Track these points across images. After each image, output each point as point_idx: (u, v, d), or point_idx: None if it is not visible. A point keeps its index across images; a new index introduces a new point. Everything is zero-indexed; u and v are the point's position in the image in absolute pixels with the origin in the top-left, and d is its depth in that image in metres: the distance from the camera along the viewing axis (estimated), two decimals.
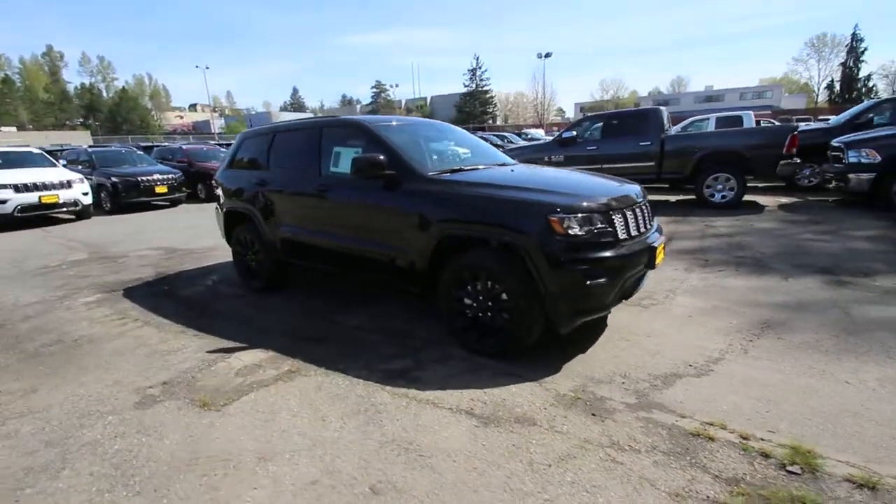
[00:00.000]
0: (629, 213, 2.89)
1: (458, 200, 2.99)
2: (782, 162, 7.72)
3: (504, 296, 2.83)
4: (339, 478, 1.97)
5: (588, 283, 2.63)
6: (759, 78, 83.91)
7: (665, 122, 8.72)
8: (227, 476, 2.01)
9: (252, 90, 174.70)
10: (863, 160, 7.16)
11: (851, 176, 7.28)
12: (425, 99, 79.11)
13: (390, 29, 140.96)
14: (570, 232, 2.62)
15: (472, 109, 65.31)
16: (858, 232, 6.01)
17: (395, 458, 2.08)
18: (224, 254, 6.30)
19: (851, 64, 44.39)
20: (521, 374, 2.79)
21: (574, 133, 9.44)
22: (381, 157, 3.23)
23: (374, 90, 70.24)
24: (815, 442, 2.06)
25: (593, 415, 2.36)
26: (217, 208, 5.08)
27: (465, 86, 66.57)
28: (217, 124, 56.85)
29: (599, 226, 2.69)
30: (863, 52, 44.27)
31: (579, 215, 2.65)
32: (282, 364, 3.07)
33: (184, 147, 13.60)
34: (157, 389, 2.81)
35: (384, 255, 3.42)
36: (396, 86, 70.41)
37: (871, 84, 44.29)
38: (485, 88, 66.44)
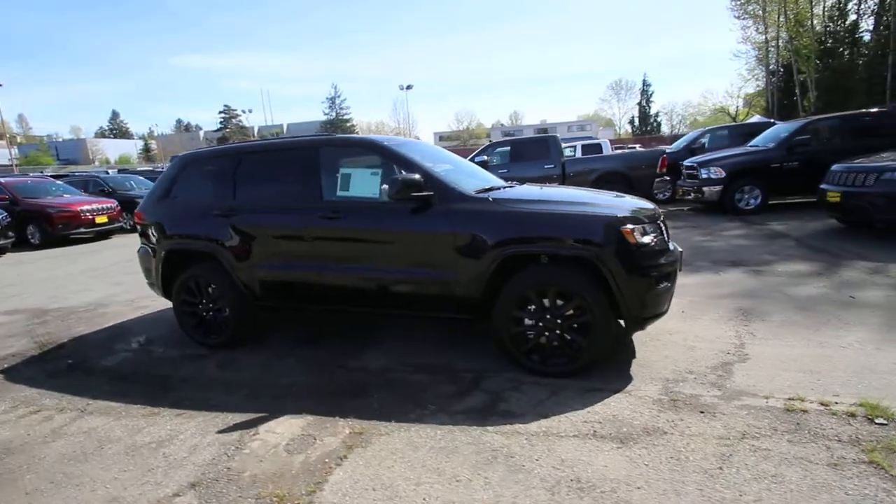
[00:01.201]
0: (661, 224, 3.16)
1: (522, 219, 2.90)
2: (657, 180, 9.33)
3: (576, 311, 2.82)
4: None
5: (657, 287, 2.79)
6: (577, 114, 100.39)
7: (562, 147, 9.83)
8: None
9: (53, 114, 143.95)
10: (712, 176, 9.03)
11: (705, 189, 9.12)
12: (281, 126, 75.21)
13: (230, 52, 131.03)
14: (640, 241, 2.75)
15: None
16: (728, 232, 7.51)
17: (579, 501, 1.87)
18: (123, 309, 5.07)
19: (644, 104, 56.70)
20: (601, 387, 2.78)
21: (486, 157, 9.98)
22: (419, 177, 2.97)
23: (223, 115, 64.09)
24: (869, 396, 2.48)
25: (701, 412, 2.47)
26: (146, 251, 4.01)
27: (325, 114, 65.40)
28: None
29: (656, 235, 2.88)
30: (651, 95, 57.00)
31: (644, 225, 2.81)
32: (336, 428, 2.53)
33: (2, 181, 10.48)
34: (189, 496, 2.06)
35: (426, 285, 3.12)
36: (250, 111, 65.33)
37: (659, 120, 57.14)
38: (345, 117, 66.12)
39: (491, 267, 2.90)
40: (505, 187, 3.62)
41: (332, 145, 3.53)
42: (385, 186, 3.16)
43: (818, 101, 30.52)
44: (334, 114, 65.47)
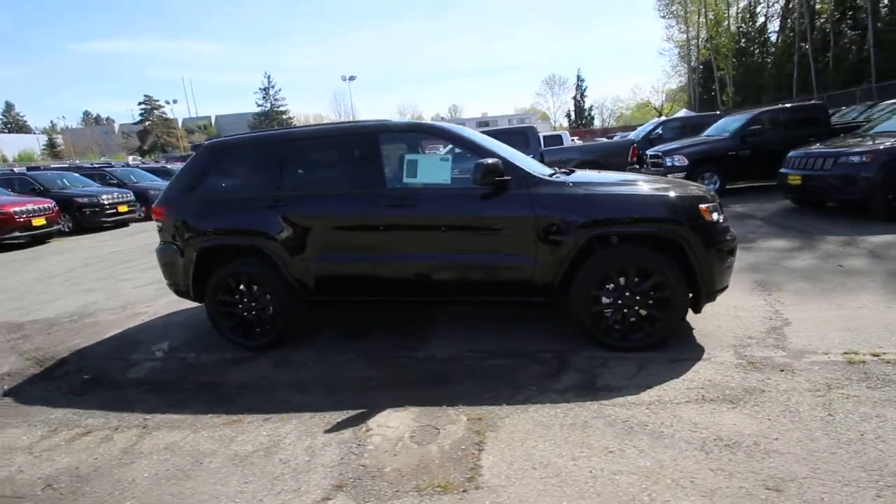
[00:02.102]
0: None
1: (607, 201, 2.98)
2: (627, 168, 9.89)
3: (655, 287, 2.96)
4: (727, 493, 1.79)
5: (727, 262, 3.01)
6: (514, 107, 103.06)
7: (540, 137, 10.12)
8: None
9: None
10: (676, 164, 9.72)
11: (671, 176, 9.80)
12: (209, 119, 70.20)
13: (145, 37, 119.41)
14: (713, 218, 2.94)
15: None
16: None
17: (735, 457, 1.99)
18: (116, 318, 4.64)
19: (579, 98, 59.44)
20: (681, 357, 2.95)
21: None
22: (500, 162, 2.96)
23: (144, 106, 58.36)
24: None
25: (781, 371, 2.70)
26: (170, 249, 3.63)
27: (259, 105, 61.96)
28: None
29: (721, 213, 3.09)
30: (585, 90, 59.77)
31: (715, 204, 3.00)
32: (450, 416, 2.49)
33: None
34: (341, 498, 1.94)
35: (502, 270, 3.11)
36: (174, 102, 59.86)
37: (593, 113, 60.28)
38: (281, 108, 63.06)
39: (574, 249, 2.96)
40: (564, 172, 3.69)
41: (389, 131, 3.40)
42: (456, 171, 3.12)
43: (735, 95, 33.71)
44: (269, 105, 62.22)
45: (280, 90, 64.00)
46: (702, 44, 39.98)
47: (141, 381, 3.24)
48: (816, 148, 6.94)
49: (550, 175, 3.23)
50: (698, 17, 39.56)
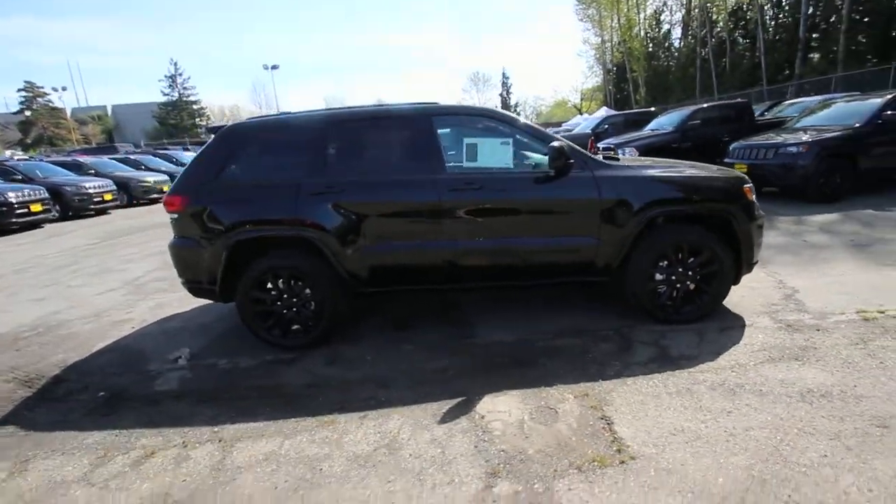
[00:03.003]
0: None
1: (665, 184, 3.15)
2: None
3: (705, 262, 3.19)
4: (849, 434, 2.00)
5: (761, 236, 3.32)
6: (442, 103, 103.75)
7: None
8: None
9: None
10: (628, 155, 10.46)
11: None
12: (104, 108, 62.22)
13: (16, 15, 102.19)
14: (753, 198, 3.23)
15: (180, 122, 55.69)
16: None
17: (834, 404, 2.23)
18: (95, 327, 4.10)
19: (505, 95, 61.42)
20: (727, 325, 3.22)
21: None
22: (565, 145, 3.00)
23: (25, 94, 49.93)
24: None
25: (818, 330, 3.06)
26: (192, 244, 3.20)
27: (165, 94, 56.04)
28: None
29: (755, 193, 3.40)
30: (510, 87, 61.87)
31: (751, 184, 3.29)
32: (556, 395, 2.51)
33: None
34: (504, 484, 1.88)
35: (566, 252, 3.17)
36: (63, 89, 51.90)
37: (519, 111, 62.57)
38: (191, 98, 57.64)
39: (636, 229, 3.10)
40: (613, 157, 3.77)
41: (447, 114, 3.28)
42: (511, 156, 3.11)
43: (647, 95, 36.86)
44: (177, 94, 56.59)
45: (189, 78, 58.35)
46: (615, 47, 43.17)
47: (179, 393, 2.85)
48: (757, 140, 7.85)
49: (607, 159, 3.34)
50: (611, 22, 42.63)
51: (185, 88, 57.44)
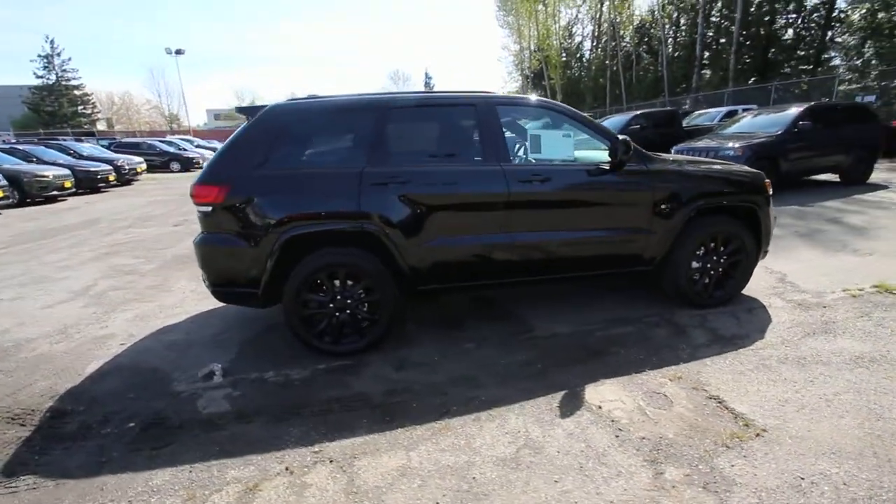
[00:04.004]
0: None
1: (708, 178, 3.39)
2: None
3: (734, 250, 3.49)
4: None
5: (774, 225, 3.72)
6: None
7: None
8: None
9: None
10: None
11: None
12: None
13: None
14: (771, 191, 3.60)
15: (58, 109, 47.93)
16: None
17: (885, 366, 2.57)
18: (67, 347, 3.60)
19: None
20: (751, 307, 3.56)
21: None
22: (629, 139, 3.10)
23: None
24: (869, 282, 3.97)
25: (824, 307, 3.50)
26: (233, 240, 2.77)
27: (39, 76, 47.88)
28: None
29: None
30: (433, 88, 62.57)
31: (768, 179, 3.67)
32: (653, 380, 2.59)
33: None
34: (672, 467, 1.89)
35: (623, 244, 3.28)
36: None
37: None
38: (73, 82, 49.92)
39: (683, 221, 3.30)
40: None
41: (511, 105, 3.21)
42: (573, 149, 3.15)
43: (564, 101, 39.39)
44: (54, 77, 48.69)
45: (70, 59, 50.44)
46: (533, 54, 45.53)
47: (240, 413, 2.46)
48: (697, 144, 8.77)
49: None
50: (528, 31, 44.88)
51: (64, 71, 49.61)
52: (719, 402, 2.36)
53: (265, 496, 1.88)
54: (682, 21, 28.74)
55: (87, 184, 13.29)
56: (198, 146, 26.07)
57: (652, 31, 31.43)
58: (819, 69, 20.29)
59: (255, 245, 2.79)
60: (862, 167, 8.66)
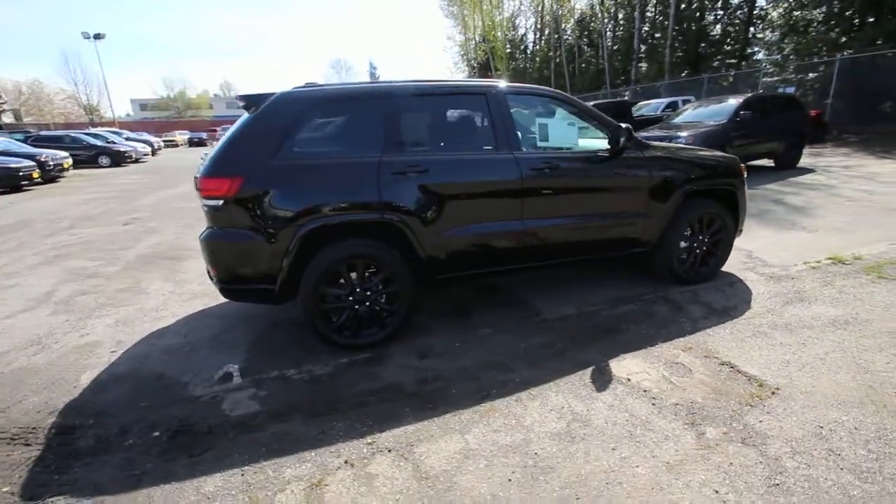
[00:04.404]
0: None
1: (698, 163, 3.64)
2: None
3: (716, 230, 3.79)
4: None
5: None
6: None
7: None
8: None
9: None
10: None
11: None
12: None
13: None
14: (745, 175, 3.93)
15: None
16: None
17: (866, 326, 2.93)
18: (60, 357, 3.38)
19: None
20: (730, 282, 3.89)
21: None
22: (631, 127, 3.27)
23: None
24: (824, 255, 4.45)
25: (792, 278, 3.89)
26: (249, 235, 2.63)
27: None
28: None
29: None
30: (378, 78, 61.41)
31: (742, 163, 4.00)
32: (669, 351, 2.79)
33: None
34: (714, 430, 2.07)
35: (622, 227, 3.46)
36: None
37: None
38: None
39: (676, 204, 3.54)
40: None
41: (520, 94, 3.24)
42: (576, 136, 3.27)
43: None
44: None
45: None
46: (479, 45, 45.88)
47: (274, 413, 2.38)
48: (652, 133, 9.31)
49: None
50: (474, 22, 45.14)
51: None
52: (731, 367, 2.59)
53: (334, 490, 1.85)
54: (621, 16, 30.12)
55: (8, 182, 11.91)
56: (127, 139, 24.04)
57: (592, 24, 32.70)
58: (744, 63, 22.08)
59: (271, 239, 2.67)
60: (793, 153, 9.60)
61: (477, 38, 46.07)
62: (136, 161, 21.28)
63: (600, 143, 3.50)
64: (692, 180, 3.60)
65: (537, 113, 3.36)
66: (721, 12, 23.18)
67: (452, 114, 3.16)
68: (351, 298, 2.91)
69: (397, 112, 2.89)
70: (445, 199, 2.94)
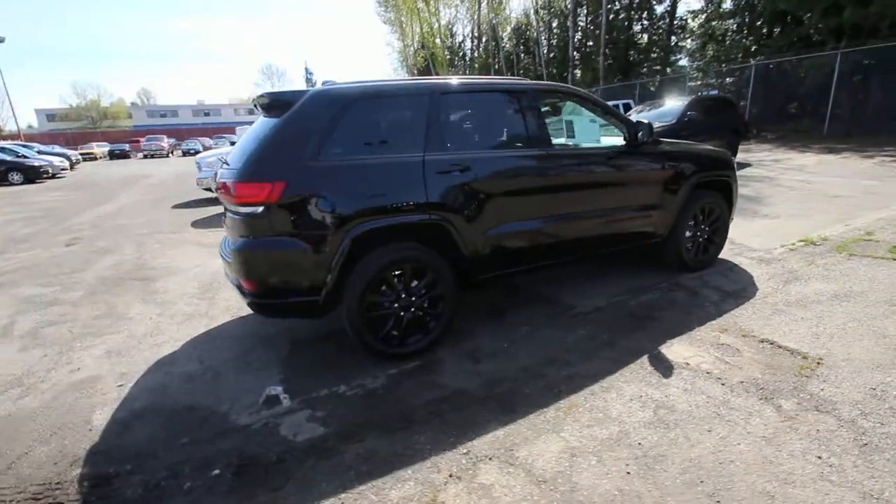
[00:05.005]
0: None
1: (704, 157, 3.86)
2: None
3: (715, 219, 4.06)
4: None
5: None
6: (229, 97, 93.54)
7: None
8: None
9: None
10: None
11: None
12: None
13: None
14: (735, 166, 4.24)
15: None
16: None
17: (860, 298, 3.24)
18: (57, 397, 3.05)
19: None
20: (728, 266, 4.18)
21: None
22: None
23: None
24: (796, 237, 4.90)
25: (778, 260, 4.25)
26: (292, 242, 2.41)
27: None
28: None
29: None
30: (315, 83, 59.44)
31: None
32: (708, 334, 2.93)
33: None
34: (785, 403, 2.18)
35: (641, 219, 3.59)
36: None
37: None
38: None
39: (685, 195, 3.73)
40: None
41: (548, 92, 3.26)
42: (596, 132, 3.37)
43: None
44: None
45: None
46: (418, 52, 46.12)
47: (342, 433, 2.19)
48: None
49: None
50: (412, 29, 45.35)
51: None
52: (772, 344, 2.76)
53: (448, 502, 1.74)
54: (555, 24, 31.59)
55: None
56: (40, 152, 21.50)
57: (528, 33, 34.04)
58: (669, 69, 23.97)
59: (318, 246, 2.48)
60: (731, 149, 10.54)
61: (416, 45, 46.29)
62: (54, 177, 19.03)
63: (613, 139, 3.63)
64: (697, 172, 3.82)
65: (566, 111, 3.42)
66: (647, 22, 25.06)
67: (491, 111, 3.12)
68: (396, 305, 2.77)
69: (436, 109, 2.80)
70: (489, 196, 2.89)
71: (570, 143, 3.41)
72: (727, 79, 18.61)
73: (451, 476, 1.89)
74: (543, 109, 3.70)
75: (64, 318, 3.91)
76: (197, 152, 31.33)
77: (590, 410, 2.26)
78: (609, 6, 24.78)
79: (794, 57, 15.22)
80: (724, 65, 18.35)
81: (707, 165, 3.93)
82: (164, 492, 1.93)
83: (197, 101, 61.22)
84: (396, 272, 2.74)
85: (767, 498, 1.68)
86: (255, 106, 3.01)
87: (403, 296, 2.78)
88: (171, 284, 4.65)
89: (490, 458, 1.98)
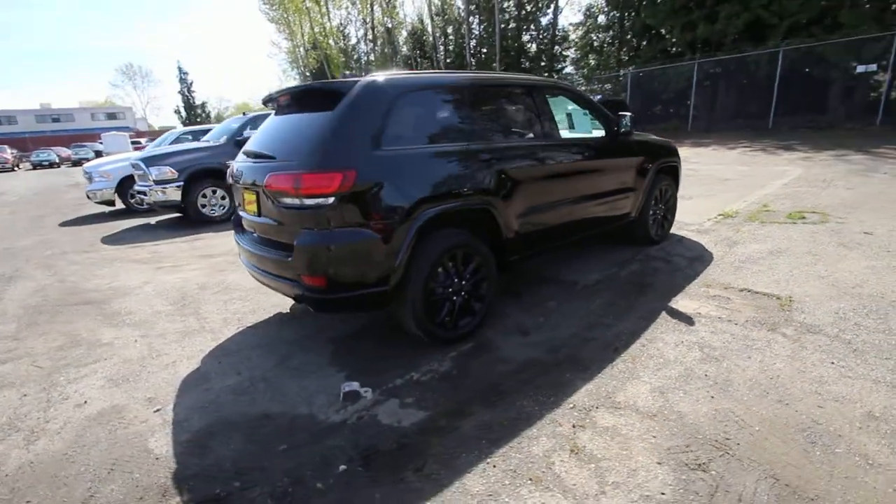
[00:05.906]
0: None
1: (657, 145, 4.47)
2: None
3: (668, 199, 4.77)
4: (838, 250, 3.82)
5: None
6: (79, 99, 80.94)
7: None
8: None
9: None
10: None
11: None
12: None
13: None
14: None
15: None
16: None
17: (794, 253, 4.08)
18: (64, 440, 2.86)
19: (187, 92, 52.86)
20: (678, 238, 4.93)
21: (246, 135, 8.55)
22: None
23: None
24: (745, 213, 5.92)
25: (713, 230, 5.12)
26: (361, 232, 2.38)
27: None
28: None
29: None
30: (191, 84, 53.53)
31: None
32: (703, 293, 3.47)
33: None
34: (789, 330, 2.74)
35: (621, 201, 4.10)
36: None
37: (208, 109, 55.28)
38: None
39: (651, 179, 4.35)
40: None
41: (553, 87, 3.55)
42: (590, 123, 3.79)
43: None
44: None
45: None
46: (309, 52, 44.37)
47: (446, 412, 2.24)
48: None
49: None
50: (301, 28, 43.50)
51: None
52: (750, 291, 3.41)
53: (593, 446, 1.93)
54: (450, 31, 32.85)
55: None
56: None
57: (424, 37, 34.89)
58: (556, 76, 26.44)
59: (388, 235, 2.48)
60: None
61: (306, 45, 44.47)
62: None
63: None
64: (657, 159, 4.48)
65: (566, 104, 3.78)
66: (534, 32, 27.34)
67: (516, 103, 3.35)
68: (451, 290, 2.86)
69: (479, 101, 2.98)
70: (518, 183, 3.12)
71: (574, 134, 3.81)
72: (606, 85, 21.16)
73: (574, 426, 2.09)
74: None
75: (14, 353, 3.26)
76: (74, 163, 28.35)
77: (651, 357, 2.61)
78: (500, 16, 26.51)
79: (661, 66, 17.89)
80: (603, 72, 20.83)
81: (664, 153, 4.62)
82: (296, 497, 1.83)
83: (41, 104, 51.49)
84: (452, 258, 2.84)
85: (815, 395, 2.17)
86: (269, 101, 2.90)
87: (455, 280, 2.88)
88: (131, 305, 4.09)
89: (597, 408, 2.22)
